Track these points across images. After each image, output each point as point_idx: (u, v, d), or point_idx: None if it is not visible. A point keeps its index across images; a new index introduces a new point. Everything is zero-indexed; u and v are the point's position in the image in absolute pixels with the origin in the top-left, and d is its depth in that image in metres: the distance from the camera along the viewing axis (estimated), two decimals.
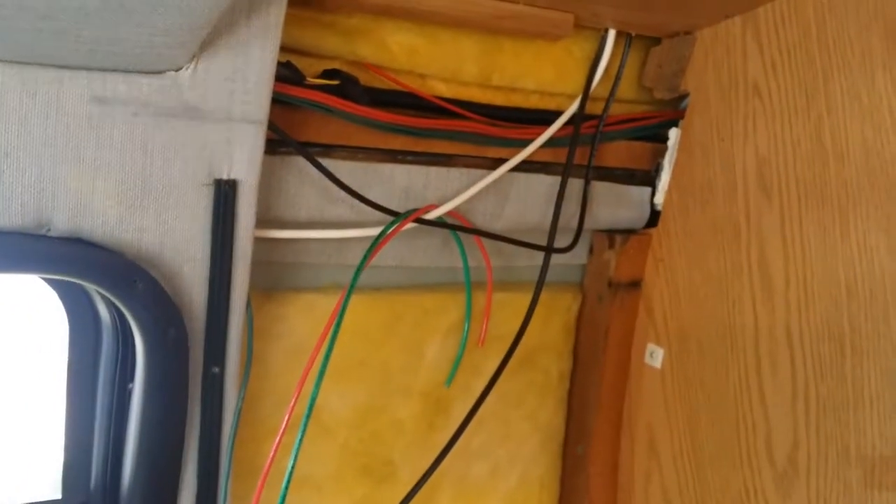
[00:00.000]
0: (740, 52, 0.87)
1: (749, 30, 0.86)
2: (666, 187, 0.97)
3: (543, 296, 0.91)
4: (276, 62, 0.63)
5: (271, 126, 0.66)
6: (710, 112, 0.91)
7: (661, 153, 0.97)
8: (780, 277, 0.84)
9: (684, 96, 0.95)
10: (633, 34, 0.91)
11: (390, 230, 0.76)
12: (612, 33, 0.89)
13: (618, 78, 0.92)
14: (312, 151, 0.73)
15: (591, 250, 1.02)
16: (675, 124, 0.95)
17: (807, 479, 0.82)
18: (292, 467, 0.72)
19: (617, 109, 0.95)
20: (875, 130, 0.75)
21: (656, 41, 0.95)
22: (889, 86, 0.74)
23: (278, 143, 0.70)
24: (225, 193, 0.63)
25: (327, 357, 0.71)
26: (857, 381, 0.77)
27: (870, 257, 0.76)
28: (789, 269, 0.83)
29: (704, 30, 0.91)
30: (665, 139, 0.96)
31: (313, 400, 0.72)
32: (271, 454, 0.72)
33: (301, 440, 0.72)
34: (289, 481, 0.73)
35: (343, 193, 0.74)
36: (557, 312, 1.00)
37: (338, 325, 0.72)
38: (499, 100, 0.87)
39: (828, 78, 0.79)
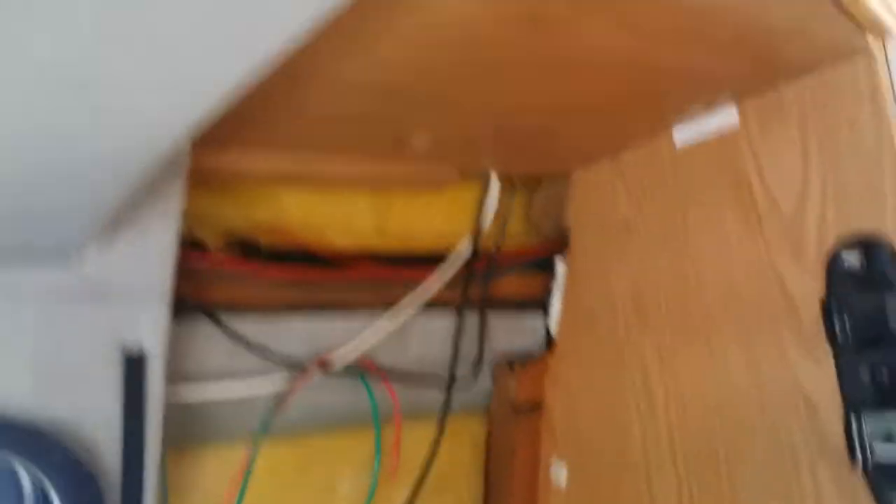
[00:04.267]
0: (610, 191, 0.97)
1: (616, 172, 0.96)
2: (558, 314, 1.05)
3: (452, 424, 0.97)
4: (177, 238, 0.69)
5: (176, 295, 0.71)
6: (590, 245, 1.00)
7: (552, 282, 1.05)
8: (660, 396, 0.91)
9: (568, 230, 1.04)
10: (516, 178, 1.01)
11: (295, 380, 0.81)
12: (495, 179, 0.98)
13: (505, 218, 1.01)
14: (217, 312, 0.78)
15: (493, 377, 1.08)
16: (562, 255, 1.04)
17: None
18: None
19: (508, 244, 1.03)
20: (726, 263, 0.84)
21: (539, 182, 1.04)
22: (736, 223, 0.84)
23: (183, 307, 0.75)
24: (134, 366, 0.67)
25: None
26: (733, 490, 0.84)
27: (731, 374, 0.84)
28: (667, 389, 0.90)
29: (579, 171, 1.01)
30: (554, 269, 1.05)
31: None
32: None
33: None
34: None
35: (249, 348, 0.80)
36: (466, 438, 1.06)
37: (247, 475, 0.76)
38: (394, 246, 0.94)
39: (686, 215, 0.89)
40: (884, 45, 0.74)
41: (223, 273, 0.76)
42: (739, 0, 0.60)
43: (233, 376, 0.82)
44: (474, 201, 0.99)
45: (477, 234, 0.98)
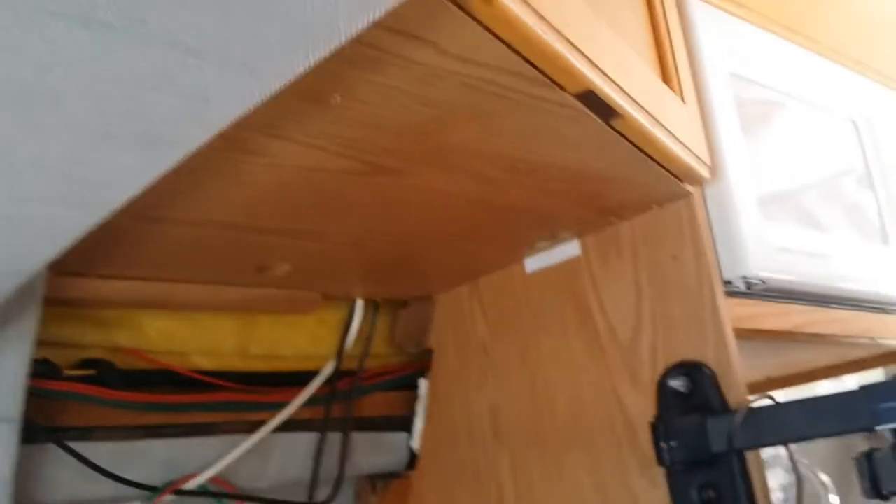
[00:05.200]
0: (469, 314, 1.02)
1: (474, 296, 1.02)
2: (420, 433, 1.07)
3: None
4: (29, 364, 0.69)
5: (27, 419, 0.71)
6: (450, 366, 1.04)
7: (415, 401, 1.08)
8: None
9: (431, 350, 1.08)
10: (380, 301, 1.04)
11: None
12: (359, 302, 1.02)
13: (369, 338, 1.04)
14: (70, 436, 0.77)
15: (356, 496, 1.09)
16: (425, 374, 1.08)
17: None
18: None
19: (372, 363, 1.06)
20: (573, 386, 0.89)
21: (402, 304, 1.09)
22: (581, 348, 0.89)
23: (33, 431, 0.74)
24: None
25: None
26: None
27: (581, 495, 0.88)
28: None
29: (441, 295, 1.06)
30: (418, 388, 1.08)
31: None
32: None
33: None
34: None
35: (101, 473, 0.79)
36: None
37: None
38: (259, 366, 0.96)
39: (537, 339, 0.94)
40: (701, 188, 0.83)
41: (78, 397, 0.76)
42: (565, 154, 0.67)
43: (84, 502, 0.80)
44: (339, 321, 1.02)
45: (340, 355, 1.01)
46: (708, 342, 0.78)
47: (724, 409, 0.75)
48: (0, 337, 0.66)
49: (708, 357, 0.77)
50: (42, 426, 0.74)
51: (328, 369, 1.00)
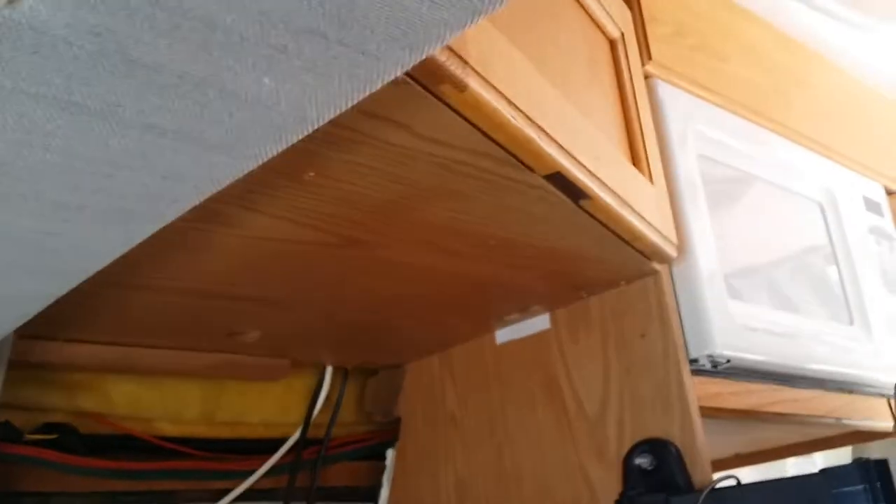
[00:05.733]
0: (439, 384, 1.02)
1: (444, 366, 1.02)
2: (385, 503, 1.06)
3: None
4: None
5: None
6: (419, 435, 1.03)
7: (382, 471, 1.07)
8: None
9: (399, 419, 1.08)
10: (350, 368, 1.04)
11: None
12: (329, 370, 1.01)
13: (337, 406, 1.03)
14: (27, 502, 0.76)
15: None
16: (393, 444, 1.07)
17: None
18: None
19: (339, 431, 1.05)
20: (540, 460, 0.89)
21: (372, 372, 1.08)
22: (549, 422, 0.89)
23: None
24: None
25: None
26: None
27: None
28: None
29: (411, 364, 1.06)
30: (384, 458, 1.07)
31: None
32: None
33: None
34: None
35: None
36: None
37: None
38: (224, 433, 0.94)
39: (505, 411, 0.94)
40: (668, 267, 0.84)
41: (37, 461, 0.75)
42: (535, 232, 0.68)
43: None
44: (308, 388, 1.01)
45: (307, 423, 1.00)
46: (674, 419, 0.78)
47: (689, 487, 0.75)
48: None
49: (674, 434, 0.78)
50: (1, 491, 0.73)
51: (294, 437, 0.99)
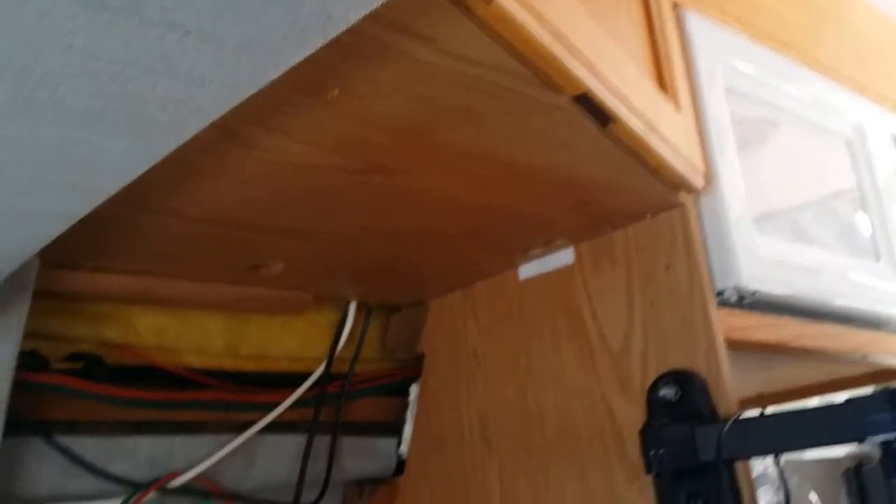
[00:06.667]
0: (461, 321, 1.02)
1: (467, 303, 1.02)
2: (409, 438, 1.07)
3: None
4: (17, 354, 0.68)
5: (12, 412, 0.70)
6: (441, 372, 1.03)
7: (405, 407, 1.08)
8: None
9: (422, 356, 1.08)
10: (373, 304, 1.04)
11: (131, 501, 0.80)
12: (352, 305, 1.01)
13: (360, 342, 1.04)
14: (54, 429, 0.77)
15: (343, 500, 1.08)
16: (416, 381, 1.07)
17: None
18: None
19: (363, 367, 1.05)
20: (563, 394, 0.89)
21: (395, 308, 1.08)
22: (572, 356, 0.89)
23: (18, 424, 0.74)
24: None
25: None
26: None
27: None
28: None
29: (434, 301, 1.06)
30: (408, 394, 1.08)
31: None
32: None
33: None
34: None
35: (85, 468, 0.78)
36: None
37: None
38: (248, 366, 0.95)
39: (528, 347, 0.94)
40: (695, 199, 0.83)
41: (65, 390, 0.76)
42: (560, 158, 0.67)
43: (67, 498, 0.80)
44: (331, 324, 1.01)
45: (331, 358, 1.00)
46: (699, 351, 0.78)
47: (714, 418, 0.75)
48: None
49: (698, 366, 0.77)
50: (27, 419, 0.74)
51: (318, 372, 0.99)
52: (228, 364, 0.93)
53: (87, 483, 0.80)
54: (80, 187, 0.46)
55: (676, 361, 0.79)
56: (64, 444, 0.77)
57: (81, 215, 0.50)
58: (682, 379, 0.78)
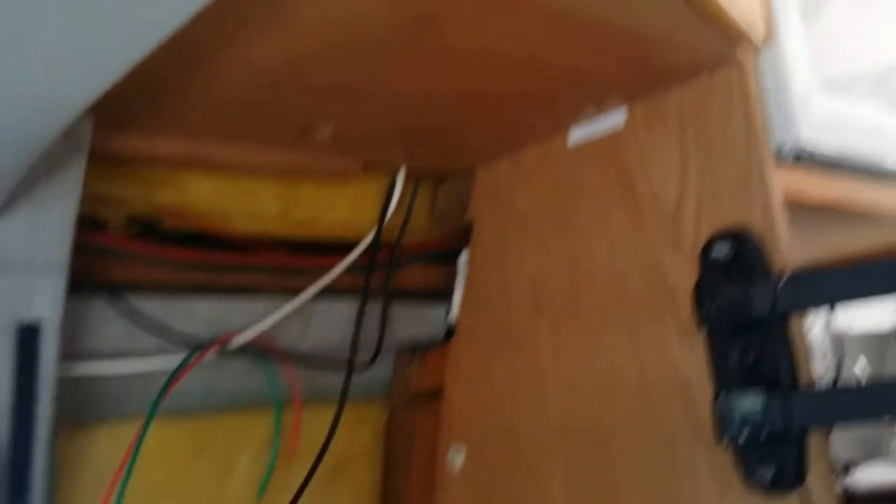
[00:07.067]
0: (509, 187, 1.01)
1: (515, 169, 1.01)
2: (458, 305, 1.08)
3: (351, 409, 0.99)
4: (76, 215, 0.70)
5: (74, 270, 0.72)
6: (490, 239, 1.04)
7: (454, 274, 1.09)
8: (552, 383, 0.95)
9: (471, 224, 1.08)
10: (421, 172, 1.04)
11: (191, 360, 0.83)
12: (401, 172, 1.01)
13: (409, 210, 1.04)
14: (115, 290, 0.79)
15: (394, 365, 1.11)
16: (464, 248, 1.08)
17: None
18: None
19: (412, 236, 1.06)
20: (614, 256, 0.89)
21: (443, 177, 1.08)
22: (623, 218, 0.89)
23: (82, 284, 0.76)
24: (27, 337, 0.68)
25: (125, 483, 0.76)
26: (616, 474, 0.89)
27: (618, 361, 0.89)
28: (558, 375, 0.95)
29: (481, 168, 1.05)
30: (456, 261, 1.09)
31: None
32: None
33: None
34: None
35: (147, 327, 0.81)
36: (366, 424, 1.09)
37: (136, 452, 0.78)
38: (300, 232, 0.97)
39: (578, 211, 0.94)
40: (753, 56, 0.80)
41: (124, 253, 0.77)
42: (613, 10, 0.64)
43: (129, 356, 0.83)
44: (380, 192, 1.02)
45: (380, 225, 1.01)
46: (754, 209, 0.77)
47: (768, 276, 0.74)
48: (47, 186, 0.67)
49: (753, 224, 0.76)
50: (89, 279, 0.76)
51: (368, 239, 1.00)
52: (281, 230, 0.94)
53: (150, 342, 0.83)
54: (130, 30, 0.45)
55: (731, 220, 0.78)
56: (126, 304, 0.79)
57: (133, 63, 0.49)
58: (737, 237, 0.77)
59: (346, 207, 0.99)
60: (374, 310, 1.02)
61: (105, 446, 0.84)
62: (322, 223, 0.97)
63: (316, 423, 1.00)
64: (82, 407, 0.83)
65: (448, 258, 1.09)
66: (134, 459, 0.78)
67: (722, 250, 0.77)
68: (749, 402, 0.75)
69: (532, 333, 0.98)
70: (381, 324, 1.02)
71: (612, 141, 0.90)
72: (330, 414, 0.99)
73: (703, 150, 0.81)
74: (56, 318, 0.70)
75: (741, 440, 0.76)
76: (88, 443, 0.83)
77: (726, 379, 0.78)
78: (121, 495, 0.77)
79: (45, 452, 0.72)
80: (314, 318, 0.97)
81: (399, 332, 1.06)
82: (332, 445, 0.98)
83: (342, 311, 1.00)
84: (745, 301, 0.73)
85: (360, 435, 1.08)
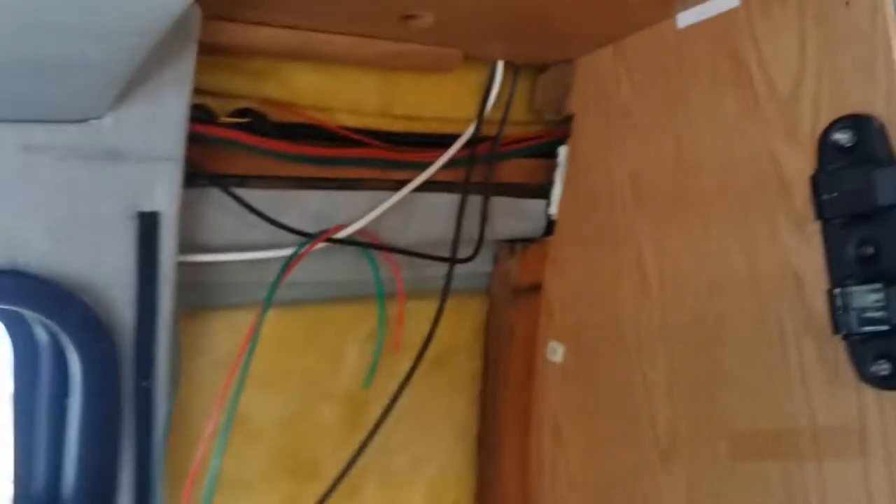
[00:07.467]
0: (612, 77, 0.98)
1: (618, 58, 0.97)
2: (558, 199, 1.07)
3: (453, 302, 1.01)
4: (189, 106, 0.71)
5: (188, 162, 0.74)
6: (591, 131, 1.02)
7: (553, 168, 1.07)
8: (655, 277, 0.94)
9: (570, 117, 1.06)
10: (520, 64, 1.02)
11: (303, 249, 0.85)
12: (500, 64, 0.99)
13: (509, 103, 1.02)
14: (227, 183, 0.81)
15: (495, 259, 1.11)
16: (564, 142, 1.06)
17: (685, 453, 0.92)
18: (216, 468, 0.80)
19: (511, 130, 1.05)
20: (724, 146, 0.86)
21: (542, 68, 1.05)
22: (735, 106, 0.85)
23: (196, 176, 0.78)
24: (148, 225, 0.71)
25: (246, 368, 0.80)
26: (721, 366, 0.88)
27: (725, 255, 0.87)
28: (662, 270, 0.94)
29: (582, 58, 1.02)
30: (556, 155, 1.07)
31: (233, 407, 0.80)
32: (197, 458, 0.80)
33: (224, 444, 0.81)
34: (213, 481, 0.81)
35: (258, 219, 0.83)
36: (466, 317, 1.10)
37: (255, 338, 0.81)
38: (400, 127, 0.96)
39: (685, 99, 0.90)
40: None
41: (233, 144, 0.79)
42: None
43: (243, 248, 0.85)
44: (480, 85, 1.00)
45: (480, 119, 1.00)
46: (878, 92, 0.73)
47: (893, 163, 0.71)
48: (160, 78, 0.68)
49: (877, 108, 0.72)
50: (203, 171, 0.78)
51: (468, 133, 0.99)
52: (382, 124, 0.94)
53: (262, 233, 0.85)
54: None
55: (853, 105, 0.74)
56: (238, 195, 0.81)
57: None
58: (859, 123, 0.73)
59: (446, 101, 0.98)
60: (474, 204, 1.02)
61: (224, 333, 0.88)
62: (423, 117, 0.97)
63: (419, 316, 1.02)
64: (201, 294, 0.87)
65: (548, 152, 1.07)
66: (253, 346, 0.81)
67: (842, 137, 0.74)
68: (867, 297, 0.73)
69: (634, 228, 0.97)
70: (482, 218, 1.02)
71: (725, 22, 0.85)
72: (432, 307, 1.00)
73: (824, 28, 0.77)
74: (174, 208, 0.72)
75: (855, 335, 0.74)
76: (208, 329, 0.87)
77: (842, 272, 0.75)
78: (243, 375, 0.80)
79: (168, 336, 0.76)
80: (416, 211, 0.97)
81: (499, 226, 1.06)
82: (435, 338, 1.00)
83: (443, 205, 1.00)
84: (867, 190, 0.70)
85: (462, 328, 1.09)
